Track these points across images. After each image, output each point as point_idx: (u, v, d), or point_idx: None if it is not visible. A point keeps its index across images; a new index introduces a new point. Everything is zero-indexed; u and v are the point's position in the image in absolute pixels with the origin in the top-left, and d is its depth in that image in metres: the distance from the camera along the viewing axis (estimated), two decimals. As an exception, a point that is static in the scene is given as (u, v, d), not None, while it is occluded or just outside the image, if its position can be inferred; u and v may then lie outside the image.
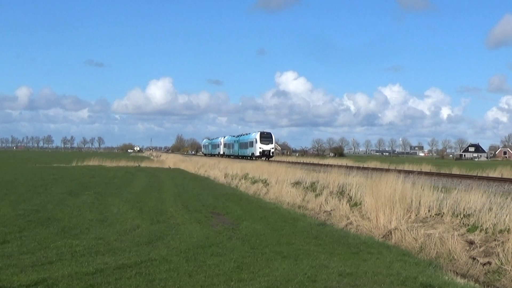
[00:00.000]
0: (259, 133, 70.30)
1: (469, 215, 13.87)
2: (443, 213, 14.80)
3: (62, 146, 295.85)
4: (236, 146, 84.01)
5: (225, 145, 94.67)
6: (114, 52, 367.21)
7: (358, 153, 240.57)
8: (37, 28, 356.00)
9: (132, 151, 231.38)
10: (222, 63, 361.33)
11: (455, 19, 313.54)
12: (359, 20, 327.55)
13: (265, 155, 67.85)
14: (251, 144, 71.81)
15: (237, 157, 79.05)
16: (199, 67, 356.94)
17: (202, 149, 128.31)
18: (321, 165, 46.87)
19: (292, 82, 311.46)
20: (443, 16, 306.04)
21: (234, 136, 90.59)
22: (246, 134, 79.92)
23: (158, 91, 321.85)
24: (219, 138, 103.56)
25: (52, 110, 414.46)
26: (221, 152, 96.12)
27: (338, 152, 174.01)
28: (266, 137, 70.03)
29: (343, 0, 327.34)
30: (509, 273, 11.02)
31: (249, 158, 71.11)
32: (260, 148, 68.61)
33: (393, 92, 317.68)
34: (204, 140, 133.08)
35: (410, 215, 15.74)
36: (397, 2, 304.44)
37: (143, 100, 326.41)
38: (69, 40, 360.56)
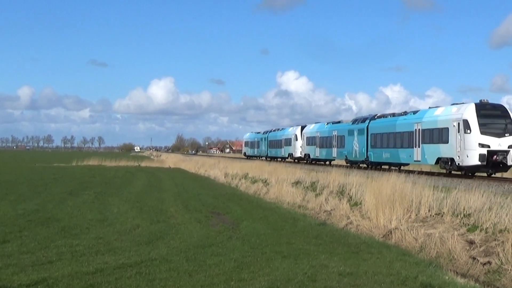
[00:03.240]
0: (472, 106, 27.63)
1: (469, 215, 13.87)
2: (443, 212, 14.79)
3: (62, 145, 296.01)
4: (356, 142, 39.52)
5: (309, 140, 50.97)
6: (116, 52, 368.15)
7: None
8: (40, 28, 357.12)
9: (137, 150, 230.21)
10: (225, 62, 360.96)
11: (458, 18, 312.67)
12: (362, 20, 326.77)
13: (497, 164, 26.64)
14: (444, 136, 29.13)
15: (354, 164, 38.84)
16: (202, 67, 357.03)
17: (244, 149, 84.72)
18: (321, 164, 46.87)
19: (294, 82, 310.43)
20: (447, 16, 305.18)
21: (335, 122, 47.07)
22: (405, 113, 34.85)
23: (159, 91, 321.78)
24: (289, 130, 58.55)
25: (53, 110, 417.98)
26: (297, 154, 54.15)
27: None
28: (494, 117, 27.59)
29: (348, 1, 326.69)
30: (509, 272, 11.02)
31: (405, 168, 31.63)
32: (482, 144, 26.62)
33: (394, 92, 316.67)
34: (248, 134, 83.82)
35: (410, 215, 15.74)
36: (403, 2, 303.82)
37: (144, 100, 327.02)
38: (72, 40, 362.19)
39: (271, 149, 64.34)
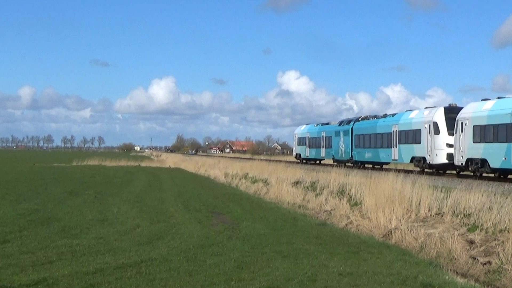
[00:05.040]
0: None
1: (469, 214, 13.87)
2: (443, 212, 14.80)
3: (62, 145, 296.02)
4: None
5: (481, 132, 26.06)
6: (118, 51, 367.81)
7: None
8: (42, 28, 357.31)
9: (142, 151, 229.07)
10: (227, 62, 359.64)
11: (461, 18, 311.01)
12: (365, 21, 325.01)
13: None
14: None
15: None
16: (203, 67, 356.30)
17: (297, 149, 56.77)
18: (321, 164, 46.87)
19: (295, 82, 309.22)
20: (451, 16, 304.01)
21: None
22: None
23: (160, 91, 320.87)
24: (411, 115, 34.87)
25: (54, 110, 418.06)
26: (439, 159, 30.31)
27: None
28: None
29: (351, 0, 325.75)
30: (509, 272, 11.02)
31: None
32: None
33: (394, 92, 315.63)
34: (306, 127, 55.91)
35: (410, 215, 15.75)
36: (408, 2, 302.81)
37: (145, 100, 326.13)
38: (74, 40, 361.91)
39: (361, 149, 40.05)
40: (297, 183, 26.59)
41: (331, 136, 46.45)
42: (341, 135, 44.10)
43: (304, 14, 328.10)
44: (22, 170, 49.69)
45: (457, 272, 11.49)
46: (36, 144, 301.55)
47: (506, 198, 14.39)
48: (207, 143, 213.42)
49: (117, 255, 11.16)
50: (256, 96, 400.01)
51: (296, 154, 56.98)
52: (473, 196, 14.47)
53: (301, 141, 55.37)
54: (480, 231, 12.90)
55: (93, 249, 11.83)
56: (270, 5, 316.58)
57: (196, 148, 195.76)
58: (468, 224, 13.49)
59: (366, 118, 42.03)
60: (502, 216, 12.78)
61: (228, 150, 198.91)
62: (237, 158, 76.49)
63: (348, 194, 20.36)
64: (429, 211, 15.43)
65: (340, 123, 45.76)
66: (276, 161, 55.08)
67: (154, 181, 36.86)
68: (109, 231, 14.51)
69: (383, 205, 16.44)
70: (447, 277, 10.15)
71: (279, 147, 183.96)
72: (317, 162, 50.81)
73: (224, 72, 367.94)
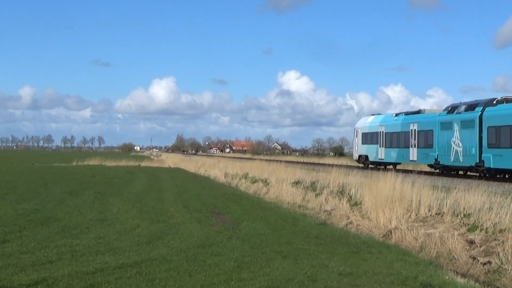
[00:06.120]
0: None
1: (469, 214, 13.88)
2: (443, 212, 14.81)
3: (62, 145, 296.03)
4: None
5: None
6: (118, 51, 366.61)
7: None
8: (42, 28, 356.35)
9: (143, 151, 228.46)
10: (228, 62, 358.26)
11: (463, 18, 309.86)
12: (366, 21, 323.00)
13: None
14: None
15: None
16: (204, 67, 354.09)
17: (361, 148, 41.55)
18: (321, 164, 46.88)
19: (295, 82, 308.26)
20: (452, 16, 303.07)
21: None
22: None
23: (161, 91, 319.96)
24: None
25: (54, 110, 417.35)
26: None
27: (338, 152, 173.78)
28: None
29: (353, 1, 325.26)
30: (509, 272, 11.02)
31: None
32: None
33: (395, 92, 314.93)
34: (374, 118, 41.21)
35: (410, 215, 15.75)
36: (409, 2, 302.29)
37: (145, 100, 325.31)
38: (75, 39, 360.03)
39: (504, 150, 25.24)
40: (297, 183, 26.60)
41: (432, 130, 31.99)
42: (456, 128, 29.33)
43: (304, 14, 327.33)
44: (22, 170, 49.69)
45: (457, 272, 11.50)
46: (36, 144, 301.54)
47: (506, 198, 14.39)
48: (207, 143, 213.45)
49: (117, 255, 11.16)
50: (257, 96, 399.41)
51: (360, 156, 42.15)
52: (473, 196, 14.48)
53: (369, 137, 40.48)
54: (480, 231, 12.90)
55: (93, 249, 11.83)
56: (271, 5, 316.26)
57: (196, 148, 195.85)
58: (468, 224, 13.50)
59: (508, 100, 26.91)
60: (502, 216, 12.78)
61: (228, 150, 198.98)
62: (237, 158, 76.51)
63: (348, 194, 20.36)
64: (429, 211, 15.44)
65: (452, 110, 30.46)
66: (276, 161, 55.10)
67: (154, 181, 36.86)
68: (109, 231, 14.51)
69: (383, 205, 16.45)
70: (447, 277, 10.15)
71: (279, 147, 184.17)
72: (391, 166, 36.64)
73: (225, 72, 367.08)
